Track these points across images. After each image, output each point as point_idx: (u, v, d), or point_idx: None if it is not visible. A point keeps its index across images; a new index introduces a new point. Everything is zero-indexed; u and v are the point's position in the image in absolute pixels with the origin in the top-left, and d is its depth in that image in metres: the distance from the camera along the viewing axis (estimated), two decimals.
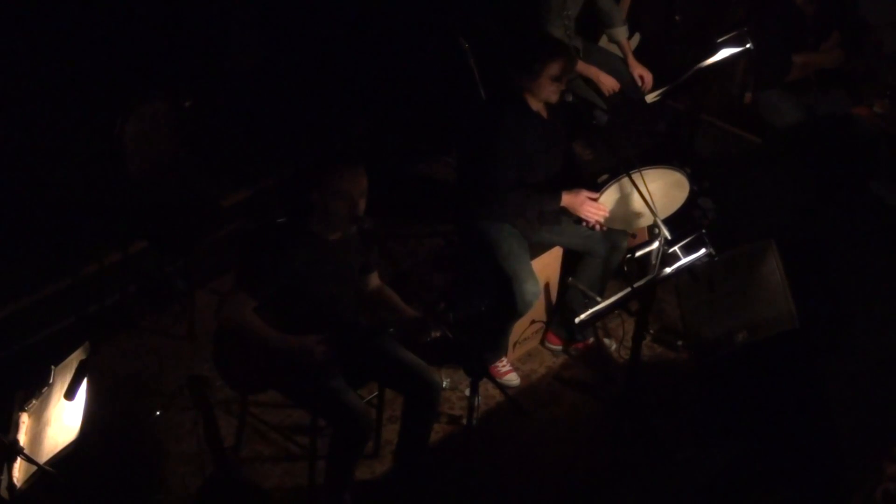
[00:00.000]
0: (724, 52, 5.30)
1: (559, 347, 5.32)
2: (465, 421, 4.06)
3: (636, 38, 6.11)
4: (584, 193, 4.79)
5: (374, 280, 4.32)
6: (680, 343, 5.32)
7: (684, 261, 4.42)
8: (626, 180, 4.72)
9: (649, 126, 5.95)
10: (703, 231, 4.45)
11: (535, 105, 4.78)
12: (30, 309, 4.99)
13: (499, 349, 5.05)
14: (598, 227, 4.84)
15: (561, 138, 4.97)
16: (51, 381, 3.74)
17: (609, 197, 4.89)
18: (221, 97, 6.49)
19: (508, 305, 4.79)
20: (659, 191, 4.80)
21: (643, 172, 4.65)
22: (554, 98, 4.75)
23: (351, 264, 4.14)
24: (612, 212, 4.95)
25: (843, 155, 5.69)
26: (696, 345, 4.97)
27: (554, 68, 4.65)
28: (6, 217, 5.42)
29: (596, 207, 4.80)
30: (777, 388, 4.67)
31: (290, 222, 4.00)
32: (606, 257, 5.07)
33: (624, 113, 5.69)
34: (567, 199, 4.80)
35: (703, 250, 4.42)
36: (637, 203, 4.88)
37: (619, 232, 5.16)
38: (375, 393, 4.54)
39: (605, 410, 4.97)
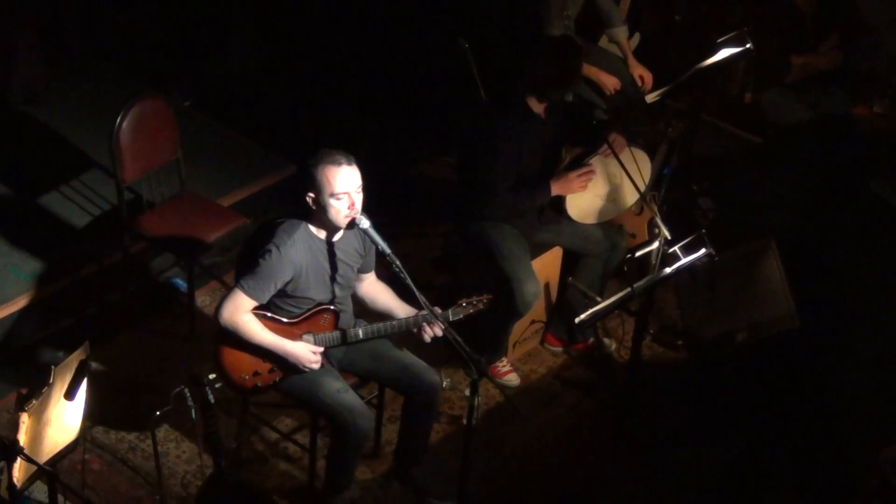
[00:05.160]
0: (724, 52, 5.30)
1: (559, 349, 5.31)
2: (465, 421, 4.06)
3: (636, 38, 6.11)
4: (572, 173, 4.79)
5: (373, 279, 4.32)
6: (680, 343, 5.32)
7: (684, 261, 4.42)
8: (597, 174, 4.85)
9: (649, 126, 5.95)
10: (703, 231, 4.45)
11: (538, 108, 4.77)
12: (30, 309, 4.99)
13: (499, 349, 5.05)
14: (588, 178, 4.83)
15: (557, 139, 4.97)
16: (51, 381, 3.74)
17: (589, 185, 4.93)
18: (221, 97, 6.50)
19: (508, 306, 4.79)
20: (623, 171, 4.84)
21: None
22: (568, 98, 4.76)
23: (351, 265, 4.14)
24: (596, 202, 4.98)
25: (843, 155, 5.68)
26: (696, 345, 4.97)
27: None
28: (6, 217, 5.42)
29: (585, 176, 4.79)
30: (777, 387, 4.67)
31: (290, 222, 3.99)
32: (606, 257, 5.08)
33: (624, 113, 5.69)
34: (557, 187, 4.79)
35: (703, 250, 4.41)
36: (615, 182, 4.91)
37: (618, 232, 5.16)
38: (375, 393, 4.53)
39: (605, 410, 4.97)
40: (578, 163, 4.92)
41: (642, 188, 4.82)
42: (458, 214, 5.01)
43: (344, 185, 3.85)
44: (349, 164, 3.87)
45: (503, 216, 4.81)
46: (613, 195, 5.05)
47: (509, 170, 4.69)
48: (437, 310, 4.02)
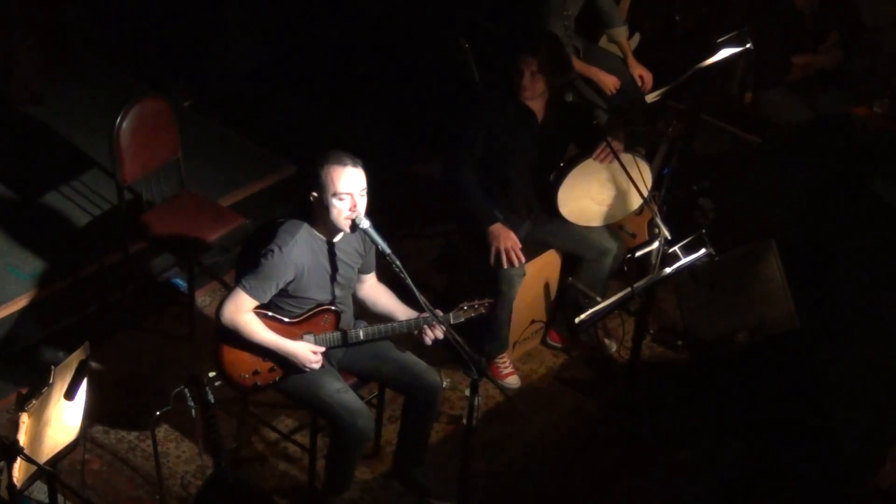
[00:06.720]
0: (724, 52, 5.30)
1: (560, 345, 5.31)
2: (465, 421, 4.06)
3: (636, 38, 6.11)
4: (513, 238, 4.74)
5: (374, 281, 4.32)
6: (680, 343, 5.32)
7: (684, 261, 4.42)
8: (591, 176, 4.84)
9: (649, 126, 5.95)
10: (703, 231, 4.45)
11: (531, 102, 4.77)
12: (30, 309, 4.99)
13: (500, 340, 5.02)
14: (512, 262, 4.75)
15: (556, 139, 4.96)
16: (51, 381, 3.74)
17: (583, 187, 4.91)
18: (221, 97, 6.50)
19: (495, 290, 4.77)
20: (623, 180, 4.82)
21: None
22: (541, 94, 4.75)
23: (352, 265, 4.14)
24: (592, 207, 4.97)
25: (843, 155, 5.68)
26: (696, 345, 4.97)
27: (531, 64, 4.66)
28: (6, 217, 5.42)
29: (511, 253, 4.71)
30: (777, 388, 4.67)
31: (291, 222, 3.99)
32: (607, 260, 5.06)
33: (624, 113, 5.69)
34: (493, 230, 4.73)
35: (703, 250, 4.41)
36: (615, 187, 4.91)
37: (616, 235, 5.14)
38: (375, 393, 4.54)
39: (605, 410, 4.97)
40: (574, 162, 4.91)
41: (639, 198, 4.80)
42: (458, 213, 5.01)
43: (347, 186, 3.86)
44: (355, 165, 3.89)
45: (452, 190, 4.79)
46: (610, 201, 5.03)
47: (476, 143, 4.72)
48: (439, 312, 4.02)
